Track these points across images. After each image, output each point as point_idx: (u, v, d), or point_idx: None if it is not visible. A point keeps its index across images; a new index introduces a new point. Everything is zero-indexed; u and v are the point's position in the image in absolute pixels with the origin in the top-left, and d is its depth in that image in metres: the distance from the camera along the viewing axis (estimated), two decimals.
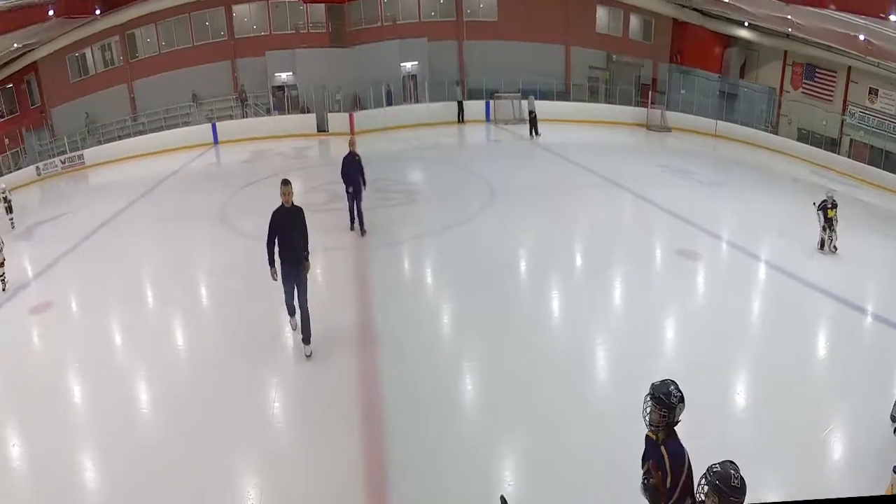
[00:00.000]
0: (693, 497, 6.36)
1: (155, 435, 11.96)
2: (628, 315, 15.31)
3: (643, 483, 6.85)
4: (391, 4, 41.40)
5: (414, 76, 41.10)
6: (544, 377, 12.50)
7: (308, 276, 13.09)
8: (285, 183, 12.93)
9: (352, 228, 21.10)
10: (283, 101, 41.98)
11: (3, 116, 41.87)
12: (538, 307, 15.97)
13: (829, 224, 18.28)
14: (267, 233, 12.68)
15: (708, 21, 36.04)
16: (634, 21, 39.51)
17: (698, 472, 5.80)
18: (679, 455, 6.52)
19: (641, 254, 18.96)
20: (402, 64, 40.89)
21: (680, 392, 6.62)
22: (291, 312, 13.41)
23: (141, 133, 42.38)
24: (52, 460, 10.81)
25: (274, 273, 12.87)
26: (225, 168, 37.58)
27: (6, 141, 40.79)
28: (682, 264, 17.94)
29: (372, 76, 39.34)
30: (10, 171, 39.38)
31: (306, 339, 13.44)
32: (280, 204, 12.82)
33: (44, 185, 39.15)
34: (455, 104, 40.13)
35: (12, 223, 27.62)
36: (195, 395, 13.16)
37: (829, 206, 18.29)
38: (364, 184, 20.81)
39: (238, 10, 42.72)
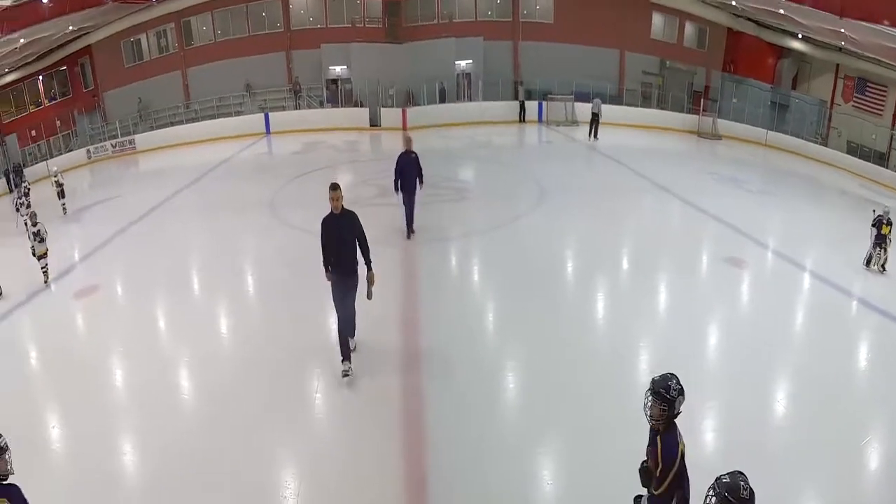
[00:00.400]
0: (684, 490, 6.78)
1: (195, 422, 12.22)
2: (673, 320, 15.42)
3: (642, 465, 7.08)
4: (448, 2, 41.87)
5: (468, 75, 41.50)
6: (585, 378, 12.56)
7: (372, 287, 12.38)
8: (334, 188, 11.87)
9: (408, 237, 20.29)
10: (337, 94, 42.59)
11: (55, 99, 43.13)
12: (583, 308, 16.11)
13: (881, 241, 18.03)
14: (320, 243, 12.01)
15: (762, 31, 36.37)
16: (689, 28, 39.82)
17: (705, 480, 5.94)
18: (672, 447, 6.70)
19: (688, 259, 19.12)
20: (456, 62, 41.38)
21: (679, 385, 6.79)
22: (342, 325, 12.53)
23: (193, 120, 43.39)
24: (92, 444, 10.97)
25: (329, 278, 12.27)
26: (276, 158, 38.14)
27: (58, 123, 41.90)
28: (728, 271, 18.02)
29: (426, 73, 39.90)
30: (61, 154, 40.58)
31: (351, 332, 12.89)
32: (329, 211, 11.98)
33: (94, 168, 40.16)
34: (517, 104, 40.40)
35: (64, 209, 28.01)
36: (237, 385, 13.27)
37: (885, 222, 18.07)
38: (420, 184, 20.03)
39: (295, 1, 43.67)
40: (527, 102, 40.40)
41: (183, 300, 18.50)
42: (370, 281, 12.31)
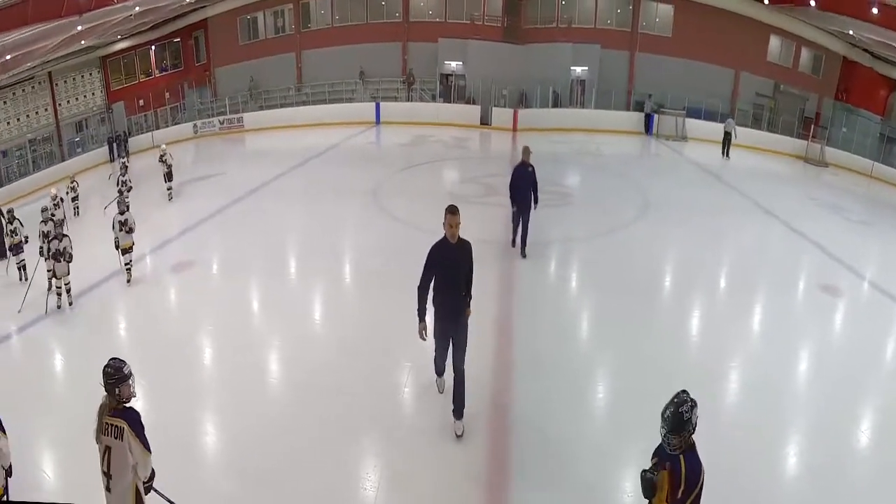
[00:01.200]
0: None
1: (279, 407, 12.65)
2: (763, 341, 15.61)
3: (647, 474, 7.08)
4: (568, 7, 42.71)
5: (583, 81, 42.31)
6: (672, 391, 11.73)
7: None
8: (453, 211, 10.38)
9: (513, 245, 20.13)
10: (450, 89, 43.79)
11: (166, 70, 45.22)
12: (676, 322, 16.43)
13: None
14: (421, 273, 10.65)
15: (877, 63, 36.58)
16: (805, 54, 40.00)
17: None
18: (696, 470, 6.74)
19: (783, 282, 19.23)
20: (572, 67, 42.24)
21: (690, 402, 6.87)
22: (440, 371, 11.77)
23: (304, 104, 45.26)
24: (174, 419, 11.27)
25: (423, 330, 10.80)
26: (384, 149, 39.48)
27: (167, 95, 43.98)
28: (823, 298, 18.07)
29: (541, 76, 40.76)
30: (168, 126, 42.81)
31: (458, 411, 11.20)
32: (442, 237, 10.61)
33: (199, 143, 42.13)
34: (630, 114, 41.52)
35: (170, 194, 28.28)
36: (326, 372, 13.63)
37: None
38: (536, 201, 19.34)
39: None
40: (636, 115, 41.32)
41: (278, 282, 19.46)
42: (465, 315, 10.99)
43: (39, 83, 38.93)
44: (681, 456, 6.79)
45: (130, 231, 19.71)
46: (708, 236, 23.00)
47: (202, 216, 25.56)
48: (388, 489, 10.15)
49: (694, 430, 6.83)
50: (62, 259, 18.01)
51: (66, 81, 40.44)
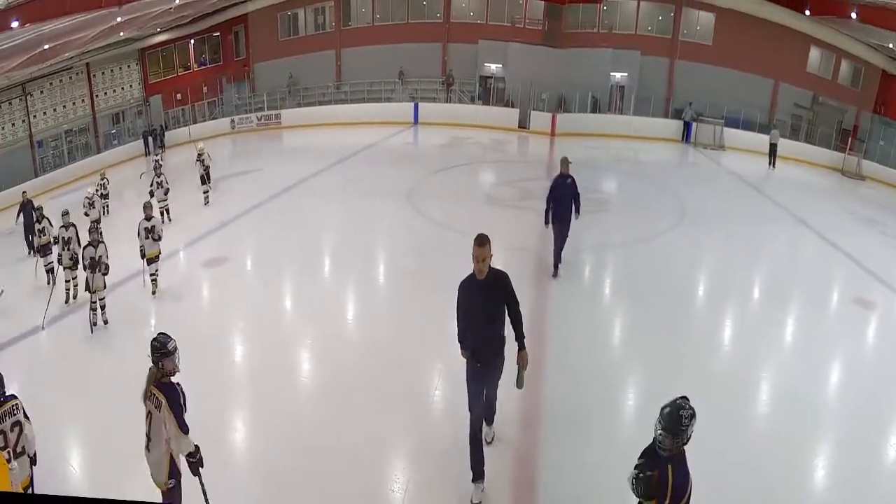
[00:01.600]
0: None
1: (309, 406, 12.91)
2: (796, 352, 15.81)
3: (638, 475, 6.96)
4: (610, 13, 43.10)
5: (622, 87, 42.67)
6: (703, 400, 11.72)
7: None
8: (481, 242, 9.06)
9: (555, 275, 19.08)
10: (489, 91, 44.20)
11: (205, 64, 45.85)
12: (706, 331, 16.69)
13: None
14: (456, 319, 9.75)
15: None
16: (845, 66, 39.96)
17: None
18: (684, 481, 6.74)
19: (816, 294, 19.38)
20: (612, 73, 42.60)
21: (691, 410, 6.73)
22: (477, 424, 9.84)
23: (342, 102, 45.97)
24: (205, 416, 10.49)
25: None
26: (421, 149, 40.07)
27: (205, 89, 44.54)
28: (856, 311, 18.12)
29: (580, 81, 41.14)
30: (205, 120, 43.51)
31: (488, 418, 10.81)
32: (469, 274, 9.37)
33: (236, 139, 42.82)
34: (669, 121, 41.60)
35: (206, 198, 27.60)
36: (356, 372, 13.81)
37: None
38: (577, 211, 18.54)
39: None
40: (675, 122, 41.42)
41: (311, 280, 19.78)
42: (522, 364, 9.47)
43: (77, 74, 39.67)
44: (668, 465, 6.78)
45: (158, 239, 18.77)
46: (743, 246, 23.11)
47: (237, 212, 26.11)
48: (416, 491, 10.30)
49: (687, 441, 6.82)
50: (98, 270, 16.77)
51: (103, 73, 41.21)
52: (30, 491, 8.90)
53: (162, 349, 8.49)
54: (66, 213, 19.33)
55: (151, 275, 18.65)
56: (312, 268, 20.90)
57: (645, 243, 23.06)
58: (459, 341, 9.90)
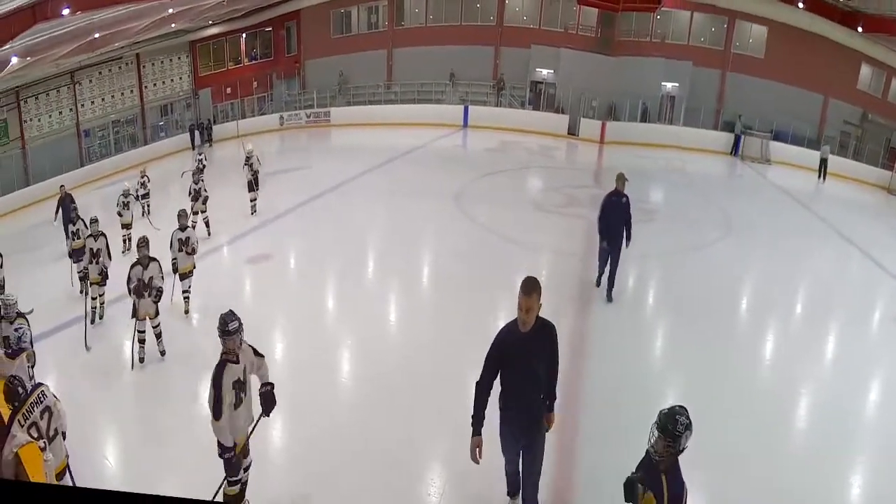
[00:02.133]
0: None
1: (348, 407, 13.05)
2: (835, 369, 15.97)
3: (635, 478, 6.86)
4: (663, 22, 43.46)
5: (672, 97, 43.00)
6: (740, 413, 13.03)
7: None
8: (526, 290, 7.76)
9: (598, 284, 18.61)
10: (539, 97, 44.76)
11: (255, 59, 46.61)
12: (746, 345, 16.68)
13: None
14: (483, 366, 8.30)
15: None
16: (895, 84, 39.75)
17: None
18: (679, 491, 6.80)
19: (859, 312, 19.33)
20: (663, 83, 43.02)
21: (688, 420, 6.60)
22: (513, 491, 9.48)
23: (392, 102, 46.56)
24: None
25: (477, 448, 8.29)
26: (470, 152, 40.71)
27: (255, 84, 45.43)
28: None
29: (631, 89, 41.50)
30: (253, 116, 44.33)
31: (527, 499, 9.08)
32: (511, 322, 8.17)
33: (284, 135, 43.71)
34: (719, 134, 41.80)
35: (253, 206, 26.21)
36: (396, 374, 13.94)
37: None
38: (629, 237, 17.57)
39: None
40: (724, 134, 41.68)
41: (354, 281, 19.91)
42: (547, 426, 8.79)
43: (127, 64, 40.62)
44: (662, 476, 6.78)
45: (193, 252, 17.17)
46: (787, 261, 23.25)
47: (282, 209, 26.60)
48: (453, 496, 10.40)
49: (681, 451, 6.77)
50: (147, 294, 14.59)
51: (153, 64, 42.18)
52: (66, 475, 9.26)
53: (222, 328, 9.01)
54: (94, 221, 17.70)
55: (184, 292, 17.09)
56: (356, 268, 21.16)
57: (689, 254, 23.38)
58: (475, 416, 8.33)
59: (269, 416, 9.48)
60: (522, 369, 8.28)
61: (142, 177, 27.76)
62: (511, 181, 33.51)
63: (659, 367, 15.59)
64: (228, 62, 46.60)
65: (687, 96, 43.13)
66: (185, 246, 16.93)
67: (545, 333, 8.23)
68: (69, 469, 9.29)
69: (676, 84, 43.56)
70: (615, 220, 17.31)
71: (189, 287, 17.21)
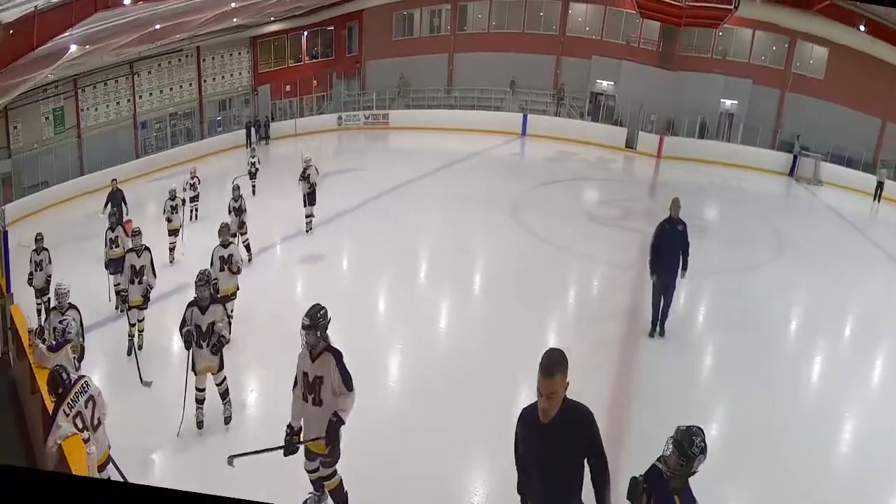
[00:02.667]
0: None
1: (393, 412, 13.31)
2: (884, 395, 16.08)
3: (638, 480, 6.98)
4: (724, 39, 43.69)
5: (731, 115, 43.21)
6: (786, 433, 13.32)
7: None
8: (548, 371, 6.22)
9: (651, 335, 17.45)
10: (599, 108, 45.29)
11: (316, 58, 47.45)
12: (796, 366, 16.98)
13: None
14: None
15: None
16: None
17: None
18: None
19: None
20: (721, 100, 43.25)
21: (704, 444, 6.54)
22: None
23: (451, 107, 47.18)
24: (289, 412, 10.13)
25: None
26: (527, 161, 41.56)
27: (314, 83, 46.32)
28: None
29: (690, 104, 41.91)
30: (312, 115, 45.27)
31: None
32: (531, 406, 6.56)
33: (341, 135, 44.73)
34: (778, 154, 41.42)
35: (309, 223, 24.78)
36: (443, 380, 14.22)
37: None
38: (685, 266, 16.56)
39: (574, 7, 46.67)
40: (780, 154, 41.76)
41: (406, 286, 20.38)
42: None
43: (186, 57, 41.49)
44: (675, 497, 6.59)
45: (237, 272, 15.85)
46: (836, 284, 23.33)
47: (337, 211, 26.96)
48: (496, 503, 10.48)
49: (691, 473, 6.63)
50: (206, 344, 12.26)
51: (213, 58, 43.20)
52: (109, 465, 9.46)
53: (303, 321, 9.33)
54: (137, 234, 16.17)
55: (227, 317, 13.67)
56: (408, 272, 21.60)
57: (739, 274, 23.58)
58: (519, 493, 7.26)
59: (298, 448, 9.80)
60: (542, 472, 6.71)
61: (192, 177, 26.75)
62: (567, 192, 34.20)
63: (706, 386, 15.95)
64: (289, 59, 47.36)
65: (745, 114, 43.23)
66: (227, 264, 15.62)
67: (575, 425, 6.42)
68: (112, 460, 9.51)
69: (735, 101, 43.62)
70: (670, 250, 16.39)
71: (232, 311, 15.26)
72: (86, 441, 8.81)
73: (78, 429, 8.95)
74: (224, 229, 16.25)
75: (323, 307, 9.52)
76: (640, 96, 42.96)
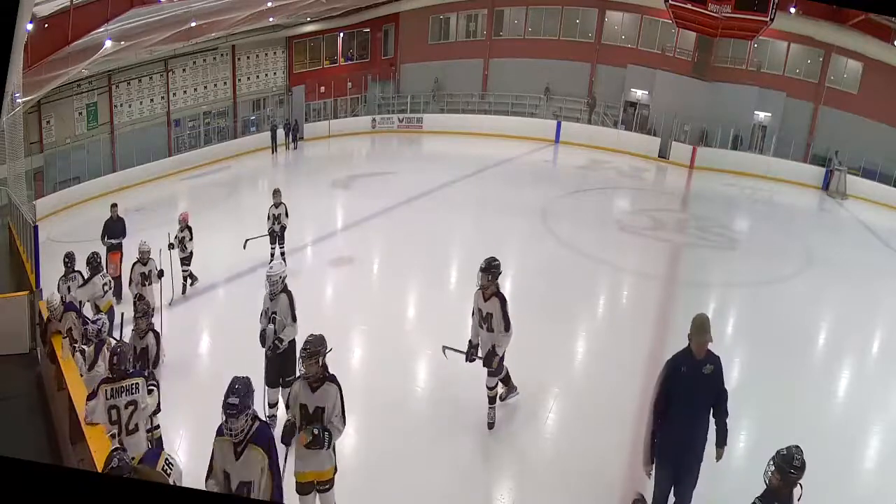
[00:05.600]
0: None
1: (418, 419, 13.59)
2: None
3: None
4: (759, 51, 44.83)
5: (764, 127, 44.30)
6: (810, 449, 11.77)
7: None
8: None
9: None
10: (633, 117, 46.65)
11: (351, 59, 49.35)
12: (820, 382, 17.16)
13: None
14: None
15: None
16: None
17: None
18: None
19: None
20: (755, 112, 44.37)
21: (802, 459, 7.11)
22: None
23: (485, 113, 48.74)
24: None
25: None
26: (559, 168, 43.04)
27: (349, 85, 48.12)
28: None
29: (723, 116, 43.06)
30: (346, 116, 47.13)
31: None
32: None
33: (375, 138, 46.49)
34: (813, 168, 42.24)
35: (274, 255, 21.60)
36: (471, 387, 13.98)
37: None
38: (723, 438, 9.87)
39: (611, 15, 47.75)
40: (812, 168, 42.48)
41: (435, 291, 20.83)
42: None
43: (222, 55, 43.55)
44: None
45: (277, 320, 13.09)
46: (864, 300, 23.50)
47: (367, 213, 28.15)
48: None
49: (790, 490, 7.26)
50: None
51: (248, 57, 45.27)
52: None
53: (304, 348, 9.10)
54: (141, 298, 15.15)
55: (275, 344, 12.95)
56: (437, 277, 22.06)
57: (766, 287, 24.07)
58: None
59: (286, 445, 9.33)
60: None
61: (181, 228, 20.42)
62: (598, 200, 35.45)
63: (731, 399, 15.72)
64: (324, 61, 49.36)
65: (779, 127, 44.32)
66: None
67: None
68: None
69: (769, 114, 44.68)
70: (692, 401, 9.70)
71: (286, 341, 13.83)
72: (112, 438, 8.85)
73: (111, 421, 9.03)
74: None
75: (322, 337, 9.17)
76: (674, 106, 44.25)
